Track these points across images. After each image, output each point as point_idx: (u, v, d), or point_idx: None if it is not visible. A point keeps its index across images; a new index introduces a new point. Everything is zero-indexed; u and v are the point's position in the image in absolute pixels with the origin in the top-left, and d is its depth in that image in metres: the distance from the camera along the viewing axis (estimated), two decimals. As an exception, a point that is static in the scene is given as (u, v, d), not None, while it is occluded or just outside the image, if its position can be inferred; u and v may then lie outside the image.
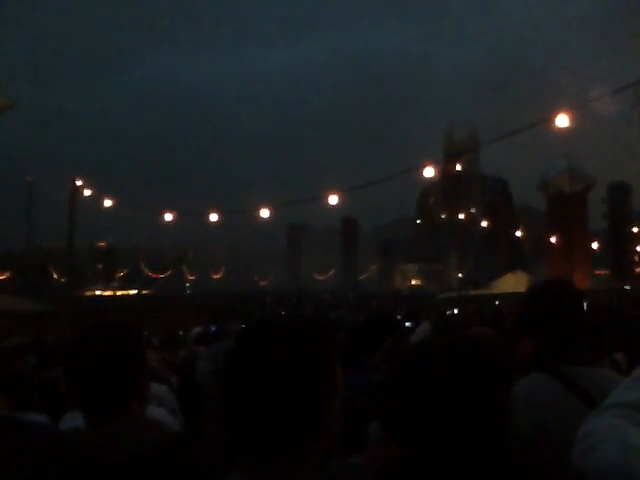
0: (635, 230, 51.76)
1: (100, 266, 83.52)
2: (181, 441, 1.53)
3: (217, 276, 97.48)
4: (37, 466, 1.12)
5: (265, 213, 16.52)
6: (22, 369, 2.58)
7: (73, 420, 2.17)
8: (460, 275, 61.95)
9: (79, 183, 19.56)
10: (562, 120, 11.33)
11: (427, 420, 1.18)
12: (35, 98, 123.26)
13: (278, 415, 1.00)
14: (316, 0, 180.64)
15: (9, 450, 1.10)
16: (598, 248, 54.32)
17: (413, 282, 76.37)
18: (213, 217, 17.63)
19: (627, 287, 39.51)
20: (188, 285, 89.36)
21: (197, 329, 12.12)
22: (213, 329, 11.29)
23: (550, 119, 11.54)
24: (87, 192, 19.68)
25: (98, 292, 74.56)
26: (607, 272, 50.54)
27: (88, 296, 64.87)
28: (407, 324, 8.33)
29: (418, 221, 78.35)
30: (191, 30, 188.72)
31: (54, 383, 3.37)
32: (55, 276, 69.24)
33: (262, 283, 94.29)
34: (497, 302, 13.87)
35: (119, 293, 73.98)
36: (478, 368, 1.21)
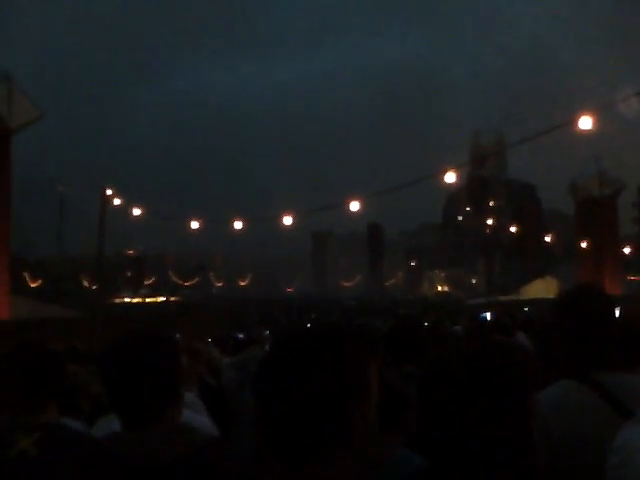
0: (668, 234, 50.70)
1: (129, 274, 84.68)
2: (216, 444, 1.55)
3: (244, 283, 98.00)
4: (83, 471, 1.17)
5: (288, 220, 16.55)
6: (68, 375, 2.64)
7: (108, 424, 2.22)
8: (488, 281, 61.33)
9: (109, 192, 19.86)
10: (586, 122, 11.15)
11: (447, 423, 1.23)
12: (66, 109, 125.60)
13: (311, 426, 1.00)
14: (343, 10, 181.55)
15: (59, 456, 1.14)
16: (630, 253, 53.28)
17: (440, 288, 75.83)
18: (237, 225, 17.73)
19: None
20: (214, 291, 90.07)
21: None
22: (239, 336, 11.32)
23: (575, 121, 11.38)
24: (117, 201, 19.97)
25: (127, 299, 75.54)
26: (639, 278, 49.59)
27: (118, 303, 65.76)
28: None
29: (444, 227, 77.84)
30: (217, 45, 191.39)
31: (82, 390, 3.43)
32: (86, 284, 70.38)
33: (288, 290, 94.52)
34: (526, 308, 13.69)
35: (148, 300, 74.87)
36: (496, 373, 1.24)
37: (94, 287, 59.96)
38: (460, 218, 74.07)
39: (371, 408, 1.08)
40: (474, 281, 67.67)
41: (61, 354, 2.43)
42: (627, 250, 52.23)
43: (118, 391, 1.58)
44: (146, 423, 1.53)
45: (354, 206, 15.35)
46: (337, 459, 1.03)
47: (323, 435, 1.01)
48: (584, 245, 44.99)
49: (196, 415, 2.37)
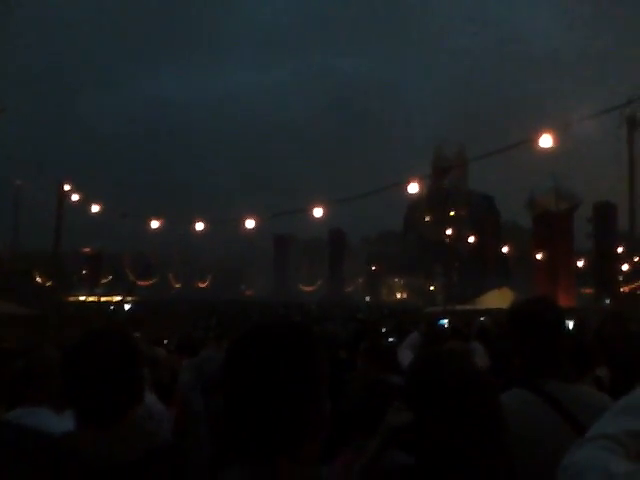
0: (620, 250, 52.22)
1: (85, 272, 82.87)
2: (171, 449, 1.54)
3: (203, 285, 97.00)
4: (35, 469, 1.15)
5: (251, 224, 16.51)
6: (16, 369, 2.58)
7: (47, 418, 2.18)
8: (446, 290, 62.15)
9: (67, 188, 19.47)
10: (546, 140, 11.48)
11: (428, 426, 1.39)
12: (25, 103, 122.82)
13: (281, 420, 1.03)
14: (303, 24, 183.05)
15: (7, 454, 1.12)
16: (583, 267, 54.71)
17: (399, 295, 76.48)
18: (199, 226, 17.59)
19: (607, 301, 39.86)
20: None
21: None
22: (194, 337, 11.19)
23: (535, 139, 11.69)
24: (75, 197, 19.57)
25: (82, 298, 73.92)
26: (592, 291, 50.91)
27: (72, 301, 64.28)
28: (390, 339, 8.33)
29: (405, 235, 78.58)
30: (181, 51, 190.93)
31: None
32: (39, 280, 68.55)
33: (248, 293, 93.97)
34: (482, 318, 13.92)
35: (103, 299, 73.31)
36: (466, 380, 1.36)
37: (48, 284, 58.55)
38: (420, 227, 74.87)
39: (326, 404, 1.12)
40: (432, 289, 68.44)
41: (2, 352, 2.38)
42: (581, 263, 53.67)
43: (77, 390, 1.56)
44: (104, 423, 1.52)
45: (317, 212, 15.42)
46: (304, 451, 1.05)
47: (292, 429, 1.03)
48: (539, 257, 46.03)
49: (155, 401, 2.34)
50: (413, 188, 14.41)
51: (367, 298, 76.94)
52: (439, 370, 1.48)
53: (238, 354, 1.10)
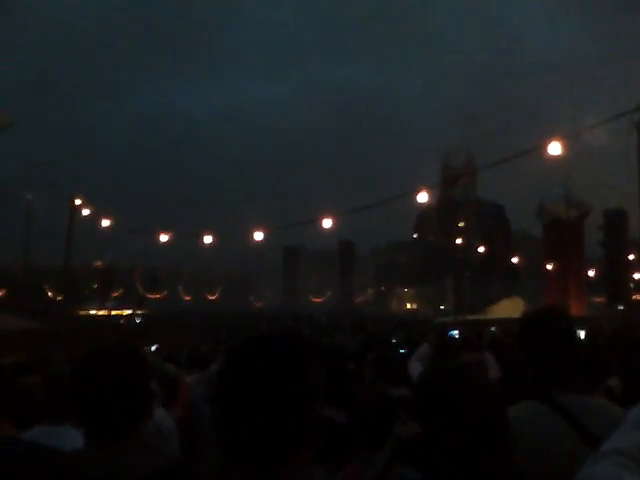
0: (631, 257, 51.85)
1: (96, 285, 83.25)
2: (175, 470, 1.53)
3: (212, 297, 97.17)
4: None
5: (259, 236, 16.56)
6: (26, 387, 2.57)
7: (58, 437, 2.16)
8: (456, 300, 61.90)
9: (78, 202, 19.62)
10: (555, 148, 11.47)
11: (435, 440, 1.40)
12: (36, 117, 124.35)
13: (278, 430, 1.03)
14: (307, 34, 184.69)
15: (11, 471, 1.11)
16: (595, 275, 54.33)
17: (409, 306, 76.21)
18: (207, 239, 17.65)
19: (619, 309, 39.54)
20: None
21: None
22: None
23: (544, 146, 11.67)
24: (85, 212, 19.71)
25: (93, 311, 74.17)
26: (603, 299, 50.54)
27: (83, 315, 64.52)
28: (401, 350, 8.28)
29: (414, 245, 78.41)
30: (191, 64, 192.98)
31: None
32: (50, 294, 68.90)
33: (258, 305, 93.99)
34: (493, 328, 13.82)
35: (114, 313, 73.52)
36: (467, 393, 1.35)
37: (59, 298, 58.81)
38: (430, 237, 74.72)
39: (319, 415, 1.12)
40: (442, 300, 68.19)
41: (8, 367, 2.35)
42: (592, 272, 53.30)
43: (86, 406, 1.55)
44: (112, 440, 1.50)
45: (326, 223, 15.45)
46: (297, 462, 1.04)
47: (287, 437, 1.03)
48: (550, 267, 45.76)
49: (165, 416, 2.33)
50: (422, 197, 14.40)
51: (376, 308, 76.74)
52: (447, 383, 1.48)
53: (230, 365, 1.11)
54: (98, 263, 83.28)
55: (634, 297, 48.97)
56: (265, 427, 1.03)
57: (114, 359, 1.60)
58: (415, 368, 4.33)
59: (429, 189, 15.56)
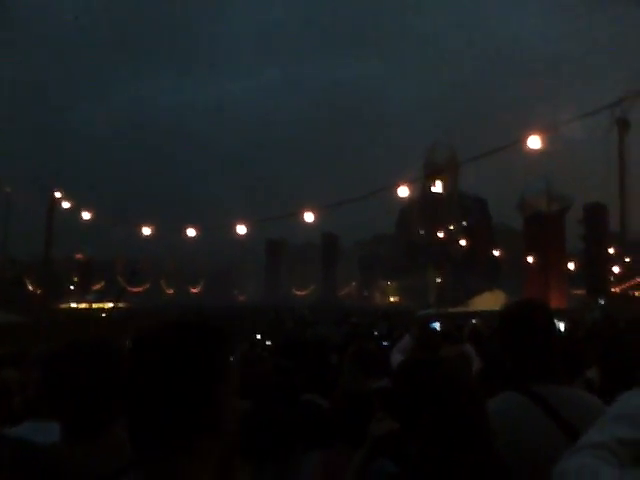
0: (611, 251, 52.53)
1: (77, 278, 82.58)
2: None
3: (195, 290, 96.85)
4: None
5: (242, 229, 16.51)
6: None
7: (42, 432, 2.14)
8: (438, 293, 62.35)
9: (58, 195, 19.40)
10: (535, 142, 11.58)
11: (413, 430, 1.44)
12: (15, 110, 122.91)
13: (172, 415, 1.02)
14: (293, 31, 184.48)
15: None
16: (575, 268, 54.99)
17: (392, 299, 76.60)
18: (191, 232, 17.56)
19: (602, 301, 40.06)
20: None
21: None
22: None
23: (525, 140, 11.77)
24: (66, 204, 19.49)
25: (74, 305, 73.58)
26: (583, 292, 51.18)
27: (63, 308, 63.96)
28: (384, 343, 8.31)
29: (397, 238, 78.75)
30: (169, 57, 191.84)
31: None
32: (31, 288, 68.19)
33: (241, 298, 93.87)
34: (474, 320, 13.95)
35: (95, 306, 72.94)
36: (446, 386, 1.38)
37: (39, 291, 58.21)
38: (413, 231, 75.07)
39: (232, 401, 1.12)
40: (425, 292, 68.60)
41: None
42: (572, 266, 53.93)
43: (60, 401, 1.53)
44: (88, 436, 1.48)
45: (309, 216, 15.46)
46: (201, 448, 1.05)
47: (185, 423, 1.03)
48: (531, 260, 46.23)
49: None
50: (403, 192, 14.49)
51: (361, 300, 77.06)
52: (425, 374, 1.50)
53: (132, 356, 1.11)
54: (79, 256, 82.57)
55: (613, 290, 49.65)
56: (156, 418, 1.03)
57: (88, 354, 1.57)
58: (396, 360, 4.35)
59: (411, 183, 15.65)
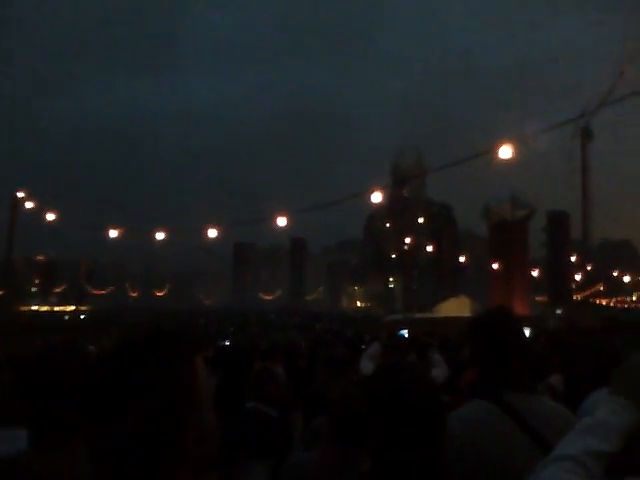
0: (573, 258, 53.62)
1: (38, 280, 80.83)
2: None
3: (160, 294, 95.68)
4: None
5: (213, 233, 16.35)
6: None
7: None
8: (405, 298, 62.73)
9: (20, 195, 18.97)
10: (505, 152, 11.76)
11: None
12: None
13: (134, 431, 0.98)
14: (263, 37, 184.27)
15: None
16: (538, 275, 55.96)
17: (359, 304, 76.85)
18: (160, 235, 17.32)
19: (559, 311, 40.82)
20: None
21: None
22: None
23: (493, 150, 11.95)
24: (29, 204, 19.08)
25: (35, 307, 71.96)
26: (546, 298, 52.10)
27: (24, 311, 62.48)
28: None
29: (364, 244, 79.07)
30: (144, 62, 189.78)
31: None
32: (-10, 290, 66.47)
33: (207, 302, 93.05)
34: (443, 328, 14.05)
35: (57, 309, 71.48)
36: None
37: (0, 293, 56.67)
38: (380, 236, 75.49)
39: (206, 410, 1.06)
40: (391, 298, 68.98)
41: None
42: (535, 273, 54.90)
43: (29, 407, 1.50)
44: (57, 442, 1.46)
45: (281, 221, 15.42)
46: (165, 467, 0.99)
47: (147, 440, 0.97)
48: (495, 266, 46.89)
49: None
50: (376, 198, 14.56)
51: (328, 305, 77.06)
52: (402, 378, 1.57)
53: (107, 366, 1.07)
54: (40, 257, 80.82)
55: (575, 297, 50.63)
56: (134, 434, 0.97)
57: (59, 358, 1.55)
58: (366, 367, 4.37)
59: (382, 189, 15.74)
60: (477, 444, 1.81)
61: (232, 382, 3.41)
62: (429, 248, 66.17)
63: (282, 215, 15.43)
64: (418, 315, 43.10)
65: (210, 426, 1.06)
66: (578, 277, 52.78)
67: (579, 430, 1.18)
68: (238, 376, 3.54)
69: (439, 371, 4.44)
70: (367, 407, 1.58)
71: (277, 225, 15.45)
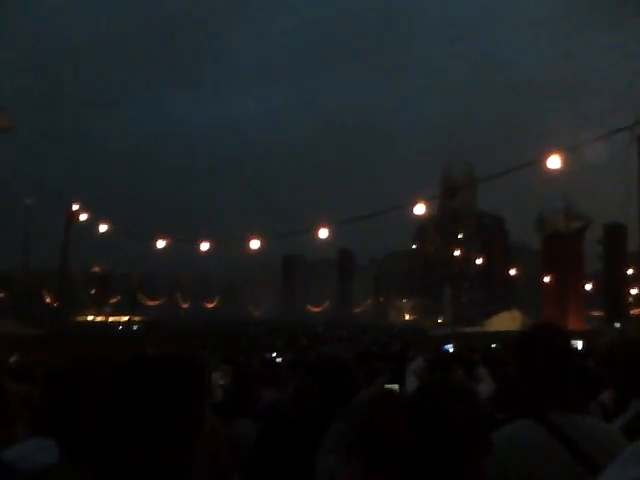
0: (630, 272, 51.82)
1: (94, 291, 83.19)
2: None
3: (211, 305, 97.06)
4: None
5: (255, 244, 16.48)
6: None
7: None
8: (454, 311, 61.82)
9: (75, 207, 19.58)
10: (554, 161, 11.47)
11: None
12: (37, 123, 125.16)
13: (143, 452, 0.98)
14: (301, 52, 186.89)
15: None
16: (592, 289, 54.27)
17: (407, 317, 76.13)
18: (204, 246, 17.60)
19: (617, 325, 39.39)
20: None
21: None
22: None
23: (544, 160, 11.68)
24: (83, 217, 19.68)
25: (90, 317, 74.06)
26: (601, 314, 50.47)
27: (80, 321, 64.39)
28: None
29: (413, 256, 78.42)
30: (187, 78, 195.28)
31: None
32: (48, 300, 68.76)
33: (256, 313, 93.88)
34: (493, 345, 13.70)
35: (111, 319, 73.36)
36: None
37: (56, 304, 58.60)
38: (429, 248, 74.76)
39: (207, 444, 1.08)
40: (440, 311, 68.09)
41: None
42: (589, 286, 53.21)
43: (61, 420, 1.51)
44: (88, 456, 1.45)
45: (323, 233, 15.44)
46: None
47: (154, 462, 0.98)
48: (548, 279, 45.69)
49: None
50: (419, 209, 14.39)
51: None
52: (442, 399, 1.56)
53: (116, 392, 1.09)
54: (96, 269, 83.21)
55: (632, 311, 48.89)
56: (134, 447, 0.99)
57: (92, 374, 1.55)
58: (411, 382, 4.30)
59: (427, 201, 15.57)
60: (522, 468, 1.74)
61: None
62: (479, 260, 65.07)
63: (324, 226, 15.44)
64: (468, 329, 42.38)
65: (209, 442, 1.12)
66: (634, 291, 50.96)
67: (625, 457, 1.11)
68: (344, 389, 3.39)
69: (485, 386, 4.33)
70: (407, 425, 1.56)
71: (319, 236, 15.48)
